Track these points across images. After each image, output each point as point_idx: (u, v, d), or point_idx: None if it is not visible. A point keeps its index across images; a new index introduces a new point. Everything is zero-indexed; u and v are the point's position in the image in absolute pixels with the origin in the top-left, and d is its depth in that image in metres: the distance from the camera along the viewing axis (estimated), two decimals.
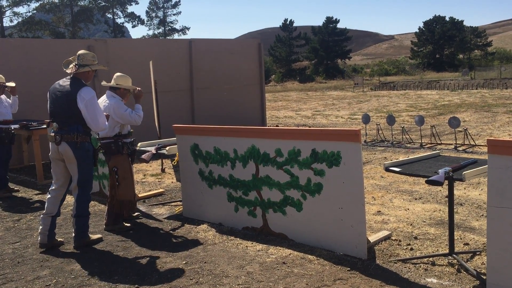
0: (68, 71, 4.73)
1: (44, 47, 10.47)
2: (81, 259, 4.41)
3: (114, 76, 5.41)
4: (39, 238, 4.73)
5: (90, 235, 4.82)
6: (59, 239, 4.84)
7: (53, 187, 4.76)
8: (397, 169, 3.95)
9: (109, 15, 63.91)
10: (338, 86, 45.94)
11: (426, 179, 3.60)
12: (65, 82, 4.69)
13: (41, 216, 4.74)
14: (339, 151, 4.08)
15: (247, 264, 4.09)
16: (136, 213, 5.75)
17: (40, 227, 4.72)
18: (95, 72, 5.00)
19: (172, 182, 7.63)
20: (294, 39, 72.64)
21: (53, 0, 57.35)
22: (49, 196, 4.76)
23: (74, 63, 4.71)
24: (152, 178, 8.09)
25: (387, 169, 4.07)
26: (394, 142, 10.67)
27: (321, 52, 70.66)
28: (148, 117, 8.59)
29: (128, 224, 5.33)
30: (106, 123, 4.75)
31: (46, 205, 4.73)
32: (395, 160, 4.32)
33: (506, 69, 48.86)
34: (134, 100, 5.50)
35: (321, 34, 72.07)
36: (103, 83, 5.57)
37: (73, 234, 4.73)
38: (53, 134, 4.61)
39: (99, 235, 4.94)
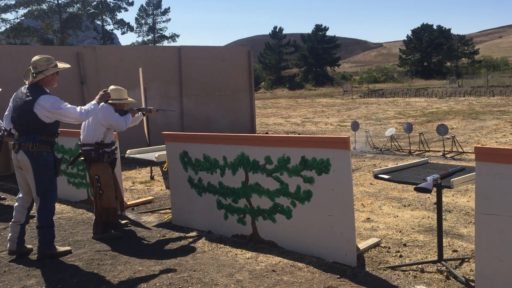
0: (27, 82, 4.60)
1: (32, 54, 10.28)
2: (69, 268, 4.36)
3: (108, 90, 5.31)
4: (8, 245, 4.68)
5: (57, 247, 4.70)
6: (28, 246, 4.77)
7: (20, 195, 4.71)
8: (386, 177, 3.96)
9: (98, 22, 63.67)
10: (328, 93, 46.17)
11: (414, 186, 3.62)
12: (25, 89, 4.57)
13: (10, 223, 4.70)
14: (328, 159, 4.09)
15: (236, 272, 4.07)
16: (125, 221, 5.70)
17: (9, 234, 4.67)
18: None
19: (161, 189, 7.59)
20: (284, 47, 73.01)
21: (41, 6, 57.00)
22: (16, 204, 4.71)
23: (31, 72, 4.57)
24: (141, 186, 8.04)
25: (376, 176, 4.08)
26: (383, 149, 10.72)
27: (310, 60, 71.07)
28: (137, 124, 8.57)
29: (116, 232, 5.28)
30: (82, 108, 4.56)
31: (14, 213, 4.68)
32: (384, 168, 4.34)
33: (493, 77, 49.46)
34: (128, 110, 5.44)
35: (311, 42, 72.51)
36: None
37: (38, 245, 4.63)
38: (13, 142, 4.56)
39: (67, 248, 4.80)
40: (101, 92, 4.92)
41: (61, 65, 4.71)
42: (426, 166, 4.36)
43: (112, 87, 5.30)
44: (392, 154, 10.21)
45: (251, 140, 4.91)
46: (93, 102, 4.77)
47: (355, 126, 11.50)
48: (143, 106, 7.54)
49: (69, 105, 4.52)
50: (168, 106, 11.71)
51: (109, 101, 5.23)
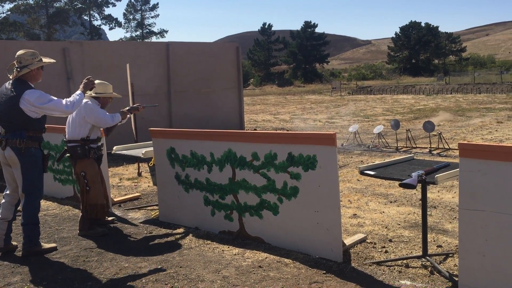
0: (11, 76, 4.55)
1: (18, 49, 10.23)
2: (54, 265, 4.33)
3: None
4: None
5: (43, 244, 4.67)
6: (14, 243, 4.73)
7: (7, 192, 4.67)
8: (371, 173, 3.99)
9: (86, 17, 63.11)
10: (316, 90, 46.28)
11: (399, 182, 3.65)
12: (9, 85, 4.51)
13: None
14: (315, 155, 4.10)
15: (223, 268, 4.07)
16: (111, 218, 5.67)
17: None
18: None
19: (148, 186, 7.56)
20: (273, 43, 73.00)
21: (28, 1, 56.34)
22: (3, 201, 4.66)
23: (15, 67, 4.52)
24: (128, 182, 8.00)
25: (362, 173, 4.11)
26: (370, 146, 10.78)
27: (299, 56, 71.13)
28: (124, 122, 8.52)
29: (103, 229, 5.25)
30: (68, 100, 4.52)
31: (1, 210, 4.63)
32: (370, 164, 4.37)
33: (480, 74, 49.96)
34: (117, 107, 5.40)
35: (300, 38, 72.58)
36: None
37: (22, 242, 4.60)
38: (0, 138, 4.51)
39: (53, 244, 4.77)
40: (84, 80, 4.86)
41: (46, 59, 4.65)
42: (411, 162, 4.40)
43: (97, 81, 5.20)
44: (379, 151, 10.28)
45: (238, 136, 4.92)
46: (78, 92, 4.72)
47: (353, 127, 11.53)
48: (130, 101, 7.50)
49: (54, 98, 4.48)
50: (155, 102, 11.64)
51: (93, 94, 5.19)
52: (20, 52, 4.53)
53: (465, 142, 3.39)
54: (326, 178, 4.06)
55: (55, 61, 4.86)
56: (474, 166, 3.19)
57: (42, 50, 10.47)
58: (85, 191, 5.11)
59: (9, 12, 57.06)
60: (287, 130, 14.75)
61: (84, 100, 5.08)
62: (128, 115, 5.46)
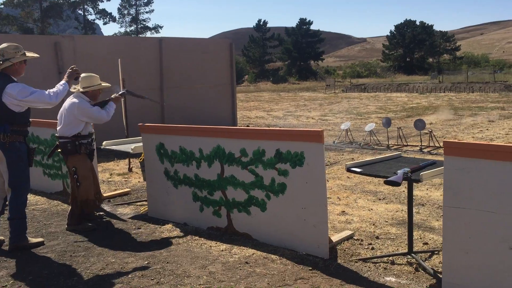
0: None
1: (10, 42, 10.17)
2: (41, 260, 4.32)
3: (80, 79, 5.18)
4: None
5: (30, 238, 4.65)
6: (0, 238, 4.71)
7: None
8: (358, 170, 4.01)
9: (80, 12, 62.70)
10: (311, 87, 46.26)
11: (384, 179, 3.66)
12: None
13: None
14: (302, 152, 4.11)
15: (209, 264, 4.08)
16: (100, 213, 5.66)
17: None
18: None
19: (139, 181, 7.54)
20: (268, 40, 72.86)
21: None
22: None
23: None
24: (118, 178, 7.99)
25: (348, 170, 4.12)
26: (362, 144, 10.81)
27: (294, 53, 71.06)
28: (116, 116, 8.49)
29: (91, 224, 5.24)
30: (51, 91, 4.49)
31: None
32: (357, 161, 4.38)
33: (474, 73, 50.12)
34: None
35: (295, 35, 72.47)
36: (71, 88, 5.36)
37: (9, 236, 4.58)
38: None
39: (40, 239, 4.76)
40: (68, 70, 4.83)
41: (29, 54, 4.61)
42: (398, 160, 4.42)
43: (83, 74, 5.13)
44: (370, 149, 10.31)
45: (227, 132, 4.92)
46: (62, 82, 4.69)
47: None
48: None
49: (37, 91, 4.44)
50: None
51: (81, 90, 5.15)
52: (3, 45, 4.49)
53: (449, 140, 3.41)
54: (314, 175, 4.08)
55: (38, 56, 4.80)
56: (458, 164, 3.21)
57: (34, 44, 10.43)
58: (75, 186, 5.10)
59: (2, 6, 56.64)
60: (280, 127, 14.75)
61: (75, 100, 5.06)
62: (122, 98, 5.43)
